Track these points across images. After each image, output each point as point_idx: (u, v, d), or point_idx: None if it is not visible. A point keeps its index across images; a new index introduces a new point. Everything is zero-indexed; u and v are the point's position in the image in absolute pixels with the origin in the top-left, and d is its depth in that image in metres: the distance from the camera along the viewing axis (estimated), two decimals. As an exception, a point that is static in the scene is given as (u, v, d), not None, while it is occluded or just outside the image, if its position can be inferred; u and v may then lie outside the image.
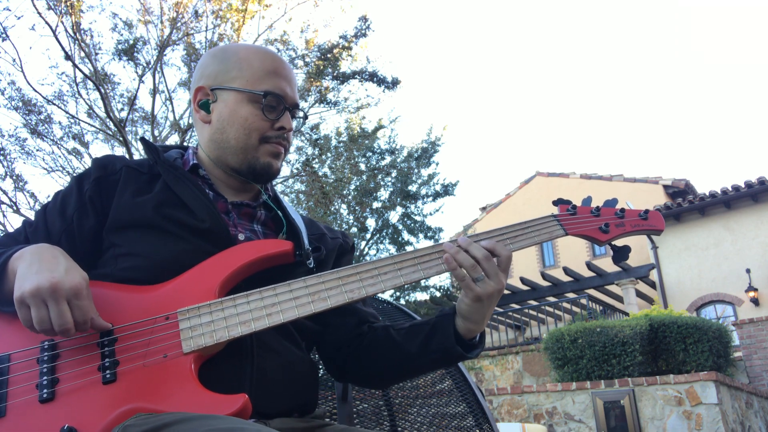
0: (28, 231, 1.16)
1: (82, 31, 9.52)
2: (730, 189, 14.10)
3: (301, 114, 1.28)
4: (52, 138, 10.86)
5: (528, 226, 1.19)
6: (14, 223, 11.13)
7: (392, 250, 13.67)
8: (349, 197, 12.82)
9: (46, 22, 8.94)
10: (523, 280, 14.66)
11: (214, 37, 10.41)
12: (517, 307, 14.13)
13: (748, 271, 14.01)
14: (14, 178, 10.49)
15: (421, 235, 13.93)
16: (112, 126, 10.37)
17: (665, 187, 17.88)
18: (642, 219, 1.24)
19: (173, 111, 11.21)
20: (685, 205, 14.68)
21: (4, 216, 10.40)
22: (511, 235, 1.17)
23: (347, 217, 13.05)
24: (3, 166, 10.40)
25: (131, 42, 10.23)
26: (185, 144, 1.39)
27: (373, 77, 11.88)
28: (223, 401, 0.93)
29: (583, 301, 12.74)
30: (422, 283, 14.60)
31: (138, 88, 10.45)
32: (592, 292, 14.44)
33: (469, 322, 1.13)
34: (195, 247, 1.10)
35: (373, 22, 11.89)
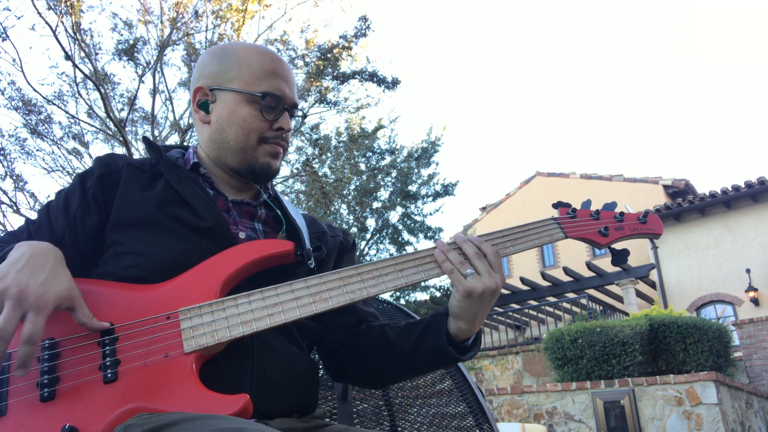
0: (32, 228, 1.16)
1: (82, 31, 9.52)
2: (730, 189, 14.10)
3: (299, 113, 1.28)
4: (52, 138, 10.87)
5: (528, 228, 1.20)
6: (14, 223, 11.13)
7: (392, 250, 13.67)
8: (349, 197, 12.82)
9: (46, 22, 8.94)
10: (523, 280, 14.65)
11: (214, 37, 10.41)
12: (517, 307, 14.13)
13: (748, 271, 14.01)
14: (14, 178, 10.49)
15: (421, 235, 13.93)
16: (112, 126, 10.37)
17: (665, 187, 17.88)
18: (641, 223, 1.25)
19: (173, 111, 11.21)
20: (685, 205, 14.68)
21: (4, 216, 10.40)
22: (512, 237, 1.18)
23: (347, 217, 13.05)
24: (3, 166, 10.40)
25: (131, 42, 10.23)
26: (185, 144, 1.39)
27: (373, 77, 11.88)
28: (225, 401, 0.93)
29: (583, 301, 12.73)
30: (422, 283, 14.58)
31: (138, 88, 10.46)
32: (592, 292, 14.44)
33: (460, 321, 1.12)
34: (196, 246, 1.11)
35: (373, 22, 11.88)
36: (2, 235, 1.20)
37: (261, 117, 1.18)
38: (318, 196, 11.12)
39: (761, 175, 13.72)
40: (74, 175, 10.79)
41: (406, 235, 13.86)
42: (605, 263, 15.55)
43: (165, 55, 10.46)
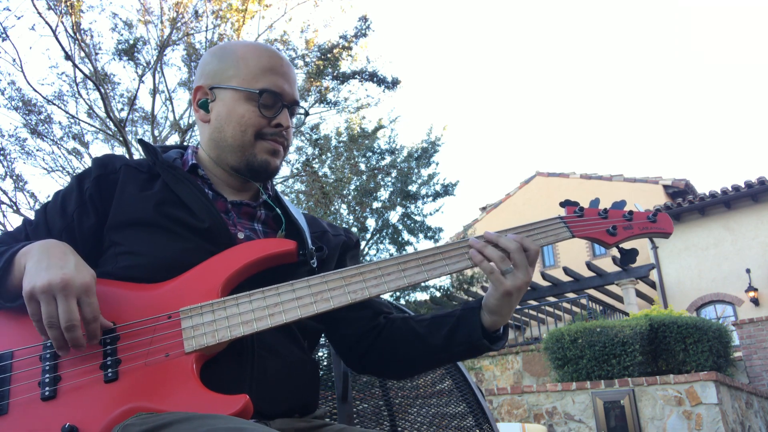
0: (29, 229, 1.16)
1: (82, 31, 9.52)
2: (730, 189, 14.10)
3: (301, 111, 1.27)
4: (52, 138, 10.86)
5: (534, 227, 1.19)
6: (14, 223, 11.13)
7: (392, 250, 13.66)
8: (349, 197, 12.82)
9: (46, 22, 8.94)
10: (523, 280, 14.60)
11: (214, 37, 10.41)
12: (517, 306, 14.07)
13: (748, 271, 14.01)
14: (14, 178, 10.49)
15: (421, 235, 13.92)
16: (112, 126, 10.36)
17: (665, 187, 17.88)
18: (650, 222, 1.23)
19: (173, 111, 11.21)
20: (685, 205, 14.68)
21: (4, 216, 10.40)
22: None
23: (347, 217, 13.04)
24: (3, 166, 10.40)
25: (131, 42, 10.22)
26: (185, 144, 1.39)
27: (373, 77, 11.87)
28: (225, 401, 0.93)
29: (583, 301, 12.74)
30: (423, 283, 14.51)
31: (138, 88, 10.45)
32: (592, 292, 14.43)
33: (495, 315, 1.14)
34: (196, 246, 1.11)
35: (373, 22, 11.88)
36: (0, 235, 1.20)
37: (258, 113, 1.18)
38: (318, 196, 11.12)
39: (761, 175, 13.72)
40: (73, 175, 10.82)
41: (406, 235, 13.85)
42: (605, 263, 15.55)
43: (165, 55, 10.46)
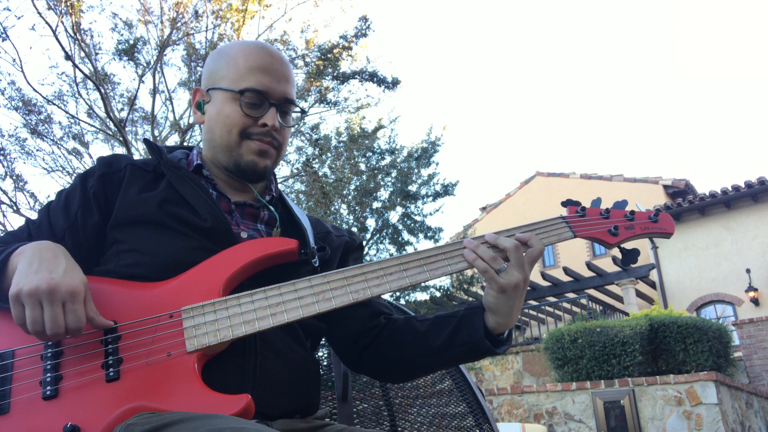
0: (32, 228, 1.17)
1: (82, 31, 9.52)
2: (730, 189, 14.10)
3: (297, 110, 1.25)
4: (52, 138, 10.86)
5: (536, 227, 1.18)
6: (14, 223, 11.13)
7: (392, 250, 13.65)
8: (349, 197, 12.81)
9: (46, 22, 8.93)
10: (523, 280, 14.61)
11: (214, 37, 10.41)
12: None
13: (748, 271, 14.00)
14: (14, 178, 10.48)
15: (421, 235, 13.91)
16: (112, 126, 10.36)
17: (665, 187, 17.87)
18: (652, 222, 1.22)
19: (173, 111, 11.20)
20: (685, 205, 14.67)
21: (4, 216, 10.40)
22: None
23: (347, 217, 13.04)
24: (3, 166, 10.39)
25: (131, 42, 10.22)
26: (186, 144, 1.40)
27: (373, 77, 11.87)
28: (227, 401, 0.93)
29: (583, 301, 12.73)
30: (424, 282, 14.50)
31: (138, 88, 10.45)
32: (592, 292, 14.43)
33: (497, 315, 1.13)
34: (199, 245, 1.11)
35: (373, 22, 11.87)
36: (2, 235, 1.20)
37: (242, 113, 1.17)
38: (318, 196, 11.11)
39: (761, 175, 13.71)
40: (74, 175, 10.82)
41: (406, 235, 13.84)
42: (605, 263, 15.54)
43: (165, 55, 10.45)
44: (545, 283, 14.63)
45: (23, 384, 0.96)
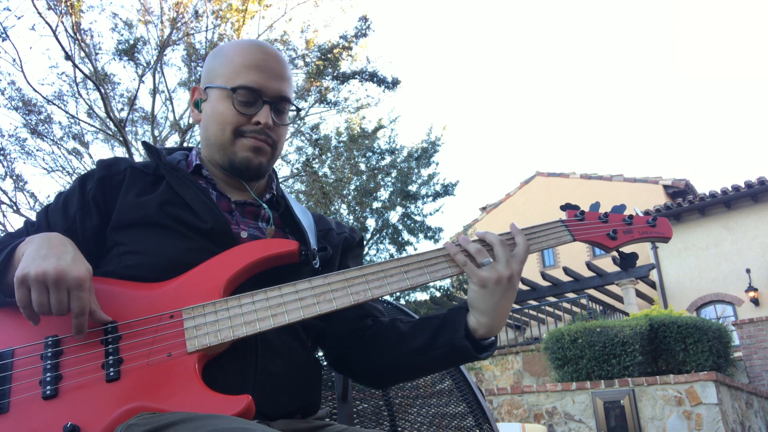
0: (30, 231, 1.17)
1: (82, 31, 9.52)
2: (730, 189, 14.10)
3: (292, 108, 1.24)
4: (52, 138, 10.86)
5: (536, 231, 1.18)
6: (14, 223, 11.13)
7: (392, 250, 13.66)
8: (349, 197, 12.82)
9: (46, 22, 8.93)
10: (523, 280, 14.64)
11: (214, 37, 10.41)
12: (517, 307, 14.12)
13: (748, 271, 14.00)
14: (14, 178, 10.48)
15: (421, 235, 13.92)
16: (112, 126, 10.36)
17: (665, 187, 17.87)
18: (650, 226, 1.23)
19: (173, 111, 11.20)
20: (685, 205, 14.68)
21: (4, 216, 10.40)
22: None
23: (347, 217, 13.04)
24: (3, 166, 10.39)
25: (131, 42, 10.22)
26: (186, 144, 1.40)
27: (373, 77, 11.87)
28: (227, 401, 0.93)
29: (583, 301, 12.74)
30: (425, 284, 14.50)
31: (138, 88, 10.45)
32: (592, 292, 14.43)
33: (478, 313, 1.10)
34: (199, 246, 1.11)
35: (373, 22, 11.88)
36: (1, 236, 1.21)
37: (234, 111, 1.17)
38: (318, 196, 11.12)
39: (761, 175, 13.71)
40: (74, 175, 10.83)
41: (406, 235, 13.84)
42: (605, 263, 15.54)
43: (165, 55, 10.45)
44: (545, 283, 14.64)
45: (23, 383, 0.96)
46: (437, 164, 16.24)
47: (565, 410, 7.37)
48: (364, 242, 13.51)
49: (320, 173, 12.05)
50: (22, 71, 9.47)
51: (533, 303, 14.42)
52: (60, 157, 11.14)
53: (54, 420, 0.92)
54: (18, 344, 1.00)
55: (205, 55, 10.40)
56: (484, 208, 21.97)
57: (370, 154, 13.69)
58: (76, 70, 9.76)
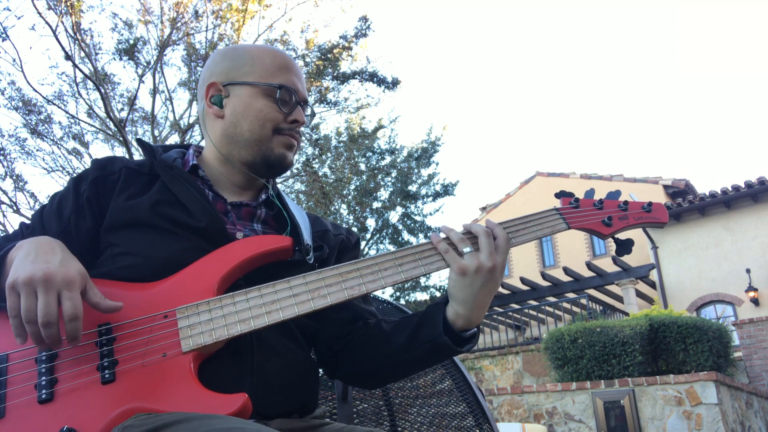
0: (25, 233, 1.16)
1: (82, 31, 9.52)
2: (730, 189, 14.10)
3: (308, 112, 1.28)
4: (52, 138, 10.88)
5: (530, 219, 1.17)
6: (14, 223, 11.14)
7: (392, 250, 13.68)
8: (349, 197, 12.83)
9: (46, 22, 8.94)
10: (523, 280, 14.65)
11: (214, 37, 10.42)
12: (517, 307, 14.13)
13: (748, 271, 14.00)
14: (14, 178, 10.50)
15: (421, 235, 13.94)
16: (112, 126, 10.37)
17: (665, 187, 17.87)
18: (645, 211, 1.22)
19: (173, 111, 11.21)
20: (685, 205, 14.67)
21: (4, 216, 10.41)
22: (513, 229, 1.15)
23: (347, 217, 13.05)
24: (3, 166, 10.41)
25: (131, 42, 10.23)
26: (186, 143, 1.39)
27: (373, 77, 11.88)
28: (223, 401, 0.93)
29: (583, 301, 12.73)
30: (422, 282, 14.58)
31: (138, 88, 10.46)
32: (592, 292, 14.44)
33: (457, 303, 1.09)
34: (194, 246, 1.10)
35: (373, 22, 11.91)
36: None
37: (277, 108, 1.20)
38: (318, 196, 11.12)
39: (761, 175, 13.71)
40: (74, 175, 10.82)
41: (406, 235, 13.87)
42: (605, 263, 15.54)
43: (165, 55, 10.46)
44: (545, 283, 14.64)
45: (18, 388, 0.95)
46: (437, 164, 16.28)
47: (565, 410, 7.37)
48: (364, 242, 13.52)
49: (320, 173, 12.06)
50: (22, 71, 9.48)
51: (533, 303, 14.42)
52: (60, 157, 11.16)
53: (50, 424, 0.92)
54: (12, 349, 0.99)
55: (205, 55, 10.41)
56: (484, 208, 21.98)
57: (370, 154, 13.71)
58: (76, 70, 9.77)
